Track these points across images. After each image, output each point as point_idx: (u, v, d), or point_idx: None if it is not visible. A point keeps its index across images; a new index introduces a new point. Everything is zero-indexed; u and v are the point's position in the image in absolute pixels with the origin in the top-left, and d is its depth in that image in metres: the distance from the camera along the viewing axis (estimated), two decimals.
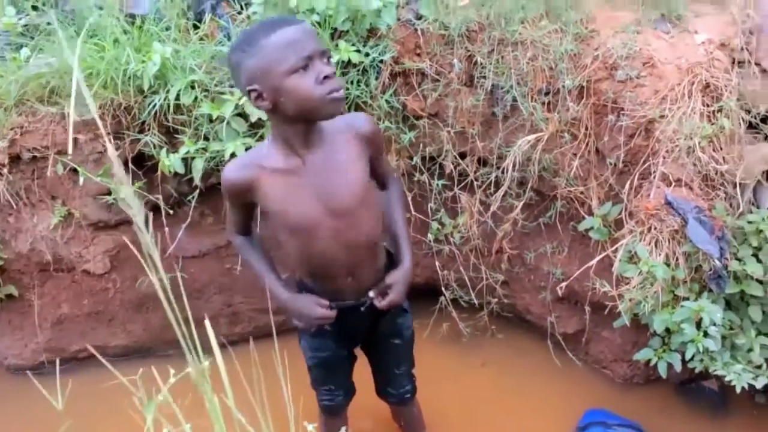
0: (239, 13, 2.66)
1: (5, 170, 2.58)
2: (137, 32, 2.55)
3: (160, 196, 2.61)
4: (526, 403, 2.62)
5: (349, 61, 2.39)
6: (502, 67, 2.46)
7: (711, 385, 2.53)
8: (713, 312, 2.11)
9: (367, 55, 2.45)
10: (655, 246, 2.23)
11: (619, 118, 2.30)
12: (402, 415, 2.28)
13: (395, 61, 2.51)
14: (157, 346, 2.96)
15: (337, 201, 1.65)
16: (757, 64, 2.30)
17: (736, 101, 2.25)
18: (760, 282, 2.20)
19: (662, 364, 2.26)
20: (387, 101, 2.52)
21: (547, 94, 2.44)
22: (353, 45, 2.44)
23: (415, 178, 2.70)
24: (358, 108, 2.51)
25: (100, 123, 0.96)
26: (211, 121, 2.46)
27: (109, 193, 2.59)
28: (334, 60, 2.22)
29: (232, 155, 2.37)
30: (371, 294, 1.78)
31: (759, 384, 2.15)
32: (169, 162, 2.43)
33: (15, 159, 2.60)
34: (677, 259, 2.22)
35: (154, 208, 2.70)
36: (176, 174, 2.51)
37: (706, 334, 2.13)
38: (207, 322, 1.22)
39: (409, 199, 2.71)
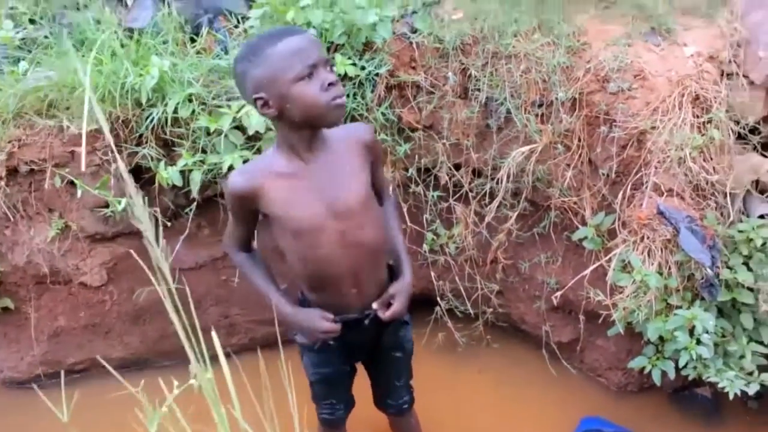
0: (236, 26, 2.70)
1: (2, 183, 2.59)
2: (135, 46, 2.58)
3: (158, 209, 2.63)
4: (522, 411, 2.64)
5: (345, 74, 2.42)
6: (496, 79, 2.49)
7: (704, 392, 2.55)
8: (706, 320, 2.14)
9: (363, 68, 2.48)
10: (648, 255, 2.26)
11: (611, 129, 2.33)
12: (400, 425, 2.29)
13: (391, 74, 2.54)
14: (154, 358, 2.96)
15: (341, 203, 1.67)
16: (745, 76, 2.34)
17: (726, 112, 2.28)
18: (751, 290, 2.23)
19: (656, 372, 2.29)
20: (383, 114, 2.55)
21: (540, 106, 2.47)
22: (349, 58, 2.47)
23: (411, 190, 2.73)
24: (354, 120, 2.54)
25: (110, 138, 0.98)
26: (208, 133, 2.48)
27: (107, 206, 2.60)
28: None
29: (230, 168, 2.39)
30: (375, 306, 1.79)
31: (751, 390, 2.18)
32: (167, 175, 2.44)
33: (12, 172, 2.61)
34: (670, 268, 2.25)
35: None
36: (174, 186, 2.53)
37: (699, 342, 2.15)
38: (213, 333, 1.24)
39: (405, 210, 2.74)
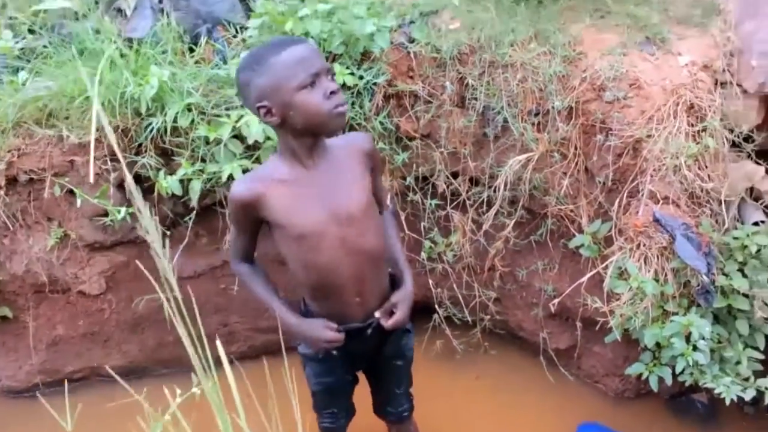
0: (234, 36, 2.71)
1: (2, 192, 2.59)
2: (135, 56, 2.59)
3: (157, 218, 2.64)
4: (520, 418, 2.65)
5: (344, 83, 2.44)
6: (493, 88, 2.51)
7: (701, 398, 2.58)
8: (702, 326, 2.16)
9: (361, 77, 2.50)
10: (645, 262, 2.28)
11: (607, 137, 2.35)
12: None
13: (388, 83, 2.56)
14: (152, 367, 2.97)
15: (343, 209, 1.69)
16: (738, 85, 2.37)
17: (720, 121, 2.30)
18: (746, 296, 2.25)
19: (653, 378, 2.30)
20: (381, 123, 2.57)
21: (537, 114, 2.49)
22: (347, 68, 2.49)
23: (409, 198, 2.75)
24: (352, 129, 2.55)
25: (118, 150, 1.00)
26: (207, 143, 2.49)
27: (106, 215, 2.60)
28: None
29: (230, 177, 2.41)
30: (377, 314, 1.80)
31: (747, 396, 2.19)
32: (167, 184, 2.45)
33: (12, 181, 2.62)
34: (666, 275, 2.27)
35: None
36: (173, 195, 2.54)
37: (695, 348, 2.17)
38: (219, 343, 1.25)
39: (403, 218, 2.76)
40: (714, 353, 2.26)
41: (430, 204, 2.74)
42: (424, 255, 2.80)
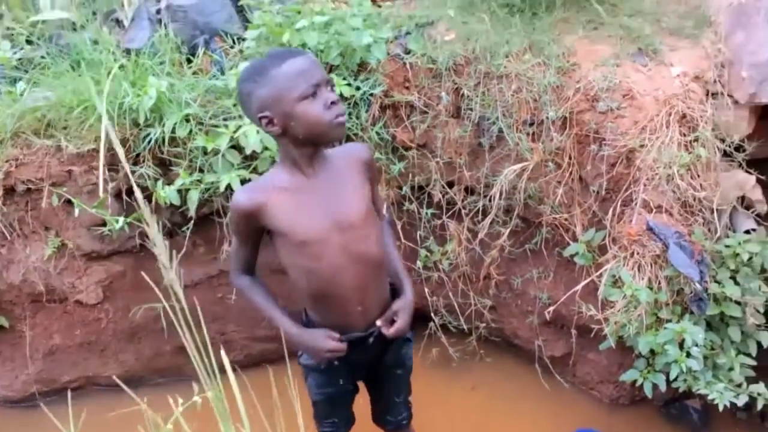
0: (232, 47, 2.73)
1: None
2: (133, 66, 2.61)
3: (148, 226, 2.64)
4: (516, 425, 2.67)
5: (341, 94, 2.47)
6: (488, 99, 2.54)
7: (694, 404, 2.60)
8: (695, 333, 2.18)
9: (357, 88, 2.53)
10: (638, 270, 2.30)
11: (601, 147, 2.38)
12: None
13: (385, 94, 2.59)
14: (149, 376, 2.97)
15: (344, 215, 1.71)
16: (729, 95, 2.40)
17: (711, 131, 2.34)
18: (738, 303, 2.28)
19: (648, 385, 2.32)
20: (377, 133, 2.60)
21: (531, 125, 2.52)
22: (344, 79, 2.52)
23: (405, 207, 2.77)
24: (349, 140, 2.58)
25: (128, 167, 1.02)
26: (205, 153, 2.51)
27: (103, 224, 2.61)
28: None
29: (227, 187, 2.42)
30: (378, 323, 1.81)
31: (740, 402, 2.22)
32: (165, 194, 2.47)
33: (9, 191, 2.63)
34: (659, 283, 2.29)
35: (146, 239, 2.73)
36: (171, 205, 2.55)
37: (688, 355, 2.19)
38: (223, 352, 1.27)
39: (399, 227, 2.78)
40: (707, 360, 2.28)
41: (426, 213, 2.77)
42: (420, 264, 2.82)
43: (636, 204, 2.34)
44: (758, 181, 2.43)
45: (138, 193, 1.02)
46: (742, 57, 2.35)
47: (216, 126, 2.50)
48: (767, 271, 2.32)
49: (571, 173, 2.52)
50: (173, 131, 2.47)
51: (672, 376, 2.22)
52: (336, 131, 1.63)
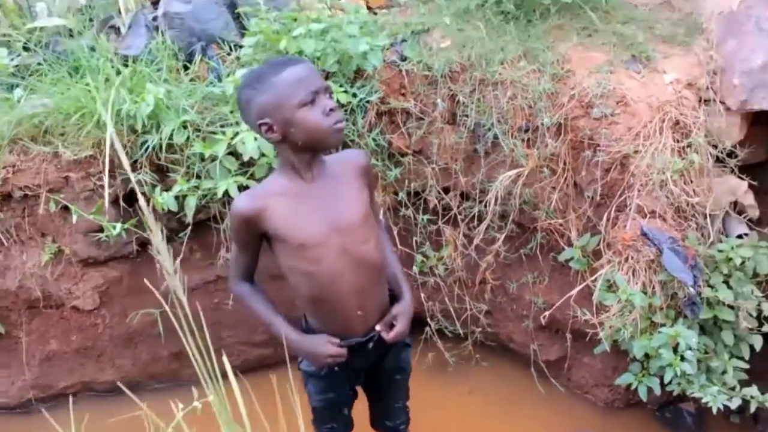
0: (229, 54, 2.75)
1: None
2: (130, 73, 2.62)
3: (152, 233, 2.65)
4: (512, 429, 2.68)
5: (338, 101, 2.48)
6: (484, 105, 2.56)
7: (688, 407, 2.62)
8: (689, 337, 2.20)
9: (354, 95, 2.55)
10: (633, 275, 2.32)
11: (595, 153, 2.41)
12: None
13: (381, 100, 2.60)
14: (145, 381, 2.97)
15: (343, 219, 1.73)
16: (721, 102, 2.43)
17: (704, 137, 2.36)
18: (731, 307, 2.30)
19: (642, 388, 2.34)
20: (374, 139, 2.61)
21: (526, 131, 2.54)
22: (341, 86, 2.53)
23: (401, 213, 2.79)
24: (345, 146, 2.59)
25: (133, 176, 1.03)
26: (202, 159, 2.51)
27: (100, 230, 2.62)
28: None
29: (225, 193, 2.44)
30: (378, 327, 1.82)
31: (733, 405, 2.24)
32: (163, 200, 2.47)
33: (6, 197, 2.63)
34: (654, 287, 2.31)
35: (142, 245, 2.74)
36: (168, 211, 2.56)
37: (682, 358, 2.22)
38: (225, 358, 1.29)
39: (395, 233, 2.79)
40: (701, 363, 2.31)
41: (422, 219, 2.78)
42: (416, 269, 2.84)
43: (630, 209, 2.36)
44: (750, 186, 2.46)
45: (142, 201, 1.04)
46: (733, 64, 2.38)
47: (213, 133, 2.51)
48: (759, 275, 2.34)
49: (565, 179, 2.54)
50: (171, 138, 2.48)
51: (666, 380, 2.25)
52: (335, 137, 1.66)
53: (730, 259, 2.32)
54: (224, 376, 1.23)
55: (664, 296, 2.32)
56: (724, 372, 2.31)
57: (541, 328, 2.78)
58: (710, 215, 2.39)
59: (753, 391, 2.25)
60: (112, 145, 2.56)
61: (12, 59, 2.78)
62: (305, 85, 1.61)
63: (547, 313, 2.60)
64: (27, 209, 2.66)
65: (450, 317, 2.91)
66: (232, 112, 2.53)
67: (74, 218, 2.55)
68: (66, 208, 2.61)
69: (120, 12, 2.93)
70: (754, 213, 2.48)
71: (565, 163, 2.52)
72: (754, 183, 2.47)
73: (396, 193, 2.76)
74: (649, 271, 2.32)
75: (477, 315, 2.89)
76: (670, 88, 2.40)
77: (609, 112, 2.38)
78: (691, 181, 2.35)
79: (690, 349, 2.21)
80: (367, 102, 2.58)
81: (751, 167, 2.47)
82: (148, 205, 2.59)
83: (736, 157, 2.42)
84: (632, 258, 2.34)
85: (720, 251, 2.35)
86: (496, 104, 2.54)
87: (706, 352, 2.33)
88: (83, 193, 2.60)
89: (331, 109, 1.62)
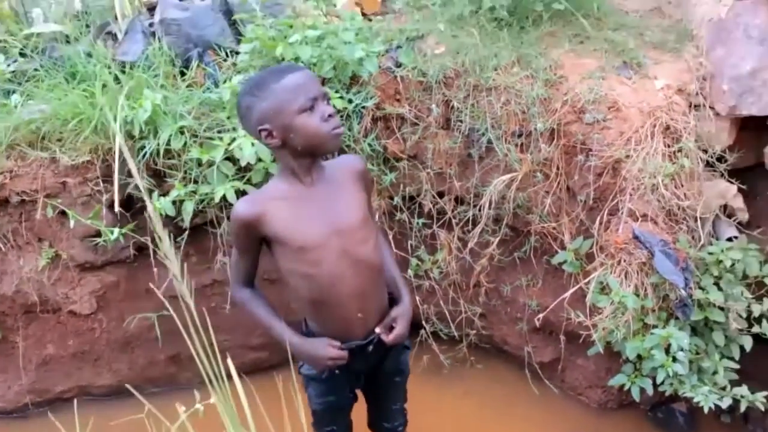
0: (225, 60, 2.77)
1: None
2: (128, 79, 2.63)
3: (149, 238, 2.67)
4: (506, 430, 2.71)
5: (334, 107, 2.50)
6: (478, 111, 2.59)
7: (680, 407, 2.66)
8: (680, 338, 2.23)
9: (350, 101, 2.57)
10: (625, 277, 2.35)
11: (587, 158, 2.44)
12: None
13: (376, 106, 2.63)
14: (142, 385, 2.97)
15: (343, 221, 1.76)
16: (711, 107, 2.47)
17: (694, 142, 2.40)
18: (722, 309, 2.33)
19: (635, 389, 2.37)
20: (369, 145, 2.64)
21: (520, 136, 2.57)
22: (337, 92, 2.55)
23: (396, 217, 2.81)
24: (341, 152, 2.62)
25: (140, 182, 1.06)
26: (200, 165, 2.53)
27: (98, 235, 2.63)
28: None
29: (222, 198, 2.46)
30: (378, 330, 1.84)
31: (724, 404, 2.27)
32: (160, 205, 2.49)
33: (3, 202, 2.65)
34: (646, 290, 2.34)
35: (139, 249, 2.76)
36: (165, 216, 2.57)
37: (674, 359, 2.24)
38: (230, 360, 1.31)
39: (390, 237, 2.81)
40: (692, 364, 2.34)
41: (417, 223, 2.81)
42: (411, 272, 2.86)
43: (622, 213, 2.39)
44: (739, 190, 2.50)
45: (150, 207, 1.06)
46: (722, 70, 2.43)
47: (210, 138, 2.53)
48: (749, 277, 2.38)
49: (558, 183, 2.57)
50: (168, 143, 2.50)
51: (659, 380, 2.27)
52: (333, 142, 1.70)
53: (721, 261, 2.35)
54: (222, 379, 1.25)
55: (656, 298, 2.35)
56: (715, 372, 2.34)
57: (535, 330, 2.81)
58: (701, 218, 2.42)
59: (743, 390, 2.29)
60: (109, 150, 2.58)
61: (9, 65, 2.79)
62: (305, 92, 1.64)
63: (540, 316, 2.63)
64: (24, 214, 2.68)
65: (445, 320, 2.93)
66: (229, 117, 2.54)
67: (72, 223, 2.57)
68: (63, 213, 2.63)
69: (116, 18, 2.95)
70: (744, 216, 2.52)
71: (558, 168, 2.55)
72: (743, 187, 2.51)
73: (391, 198, 2.78)
74: (641, 273, 2.35)
75: (471, 318, 2.91)
76: (660, 93, 2.44)
77: (601, 117, 2.42)
78: (682, 185, 2.38)
79: (681, 350, 2.24)
80: (363, 108, 2.60)
81: (740, 171, 2.51)
82: (144, 210, 2.61)
83: (725, 161, 2.46)
84: (624, 261, 2.37)
85: (710, 254, 2.38)
86: (490, 110, 2.56)
87: (697, 353, 2.36)
88: (80, 198, 2.62)
89: (329, 115, 1.66)
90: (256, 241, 1.78)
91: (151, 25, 2.87)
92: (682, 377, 2.29)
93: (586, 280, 2.46)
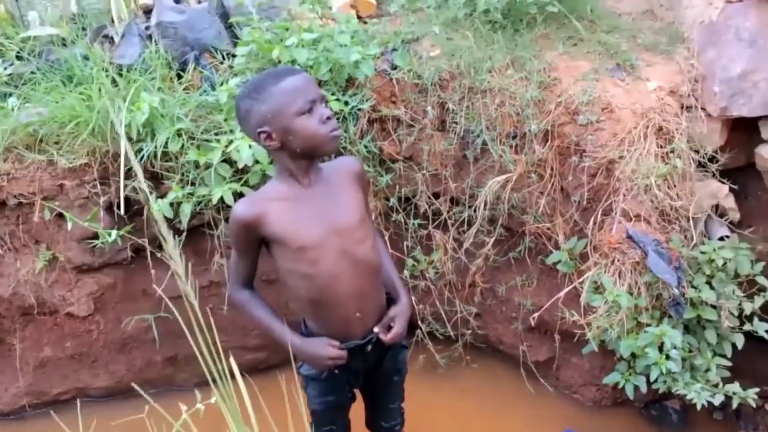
0: (222, 63, 2.78)
1: None
2: (125, 82, 2.64)
3: (146, 240, 2.68)
4: (501, 428, 2.74)
5: (331, 109, 2.52)
6: (473, 113, 2.61)
7: (674, 405, 2.69)
8: (674, 336, 2.26)
9: (346, 103, 2.59)
10: (619, 277, 2.38)
11: (581, 159, 2.46)
12: None
13: (372, 108, 2.64)
14: (139, 386, 2.99)
15: (342, 221, 1.78)
16: (702, 109, 2.49)
17: (686, 143, 2.42)
18: (714, 307, 2.36)
19: (629, 387, 2.40)
20: (365, 146, 2.65)
21: (514, 137, 2.59)
22: (333, 94, 2.57)
23: (392, 218, 2.83)
24: (338, 153, 2.63)
25: (143, 184, 1.07)
26: (197, 167, 2.55)
27: (95, 237, 2.64)
28: None
29: (220, 199, 2.47)
30: (376, 329, 1.86)
31: (717, 401, 2.30)
32: (159, 207, 2.50)
33: (0, 205, 2.66)
34: (639, 289, 2.37)
35: (137, 251, 2.77)
36: (164, 217, 2.59)
37: (668, 357, 2.27)
38: (232, 359, 1.33)
39: (387, 237, 2.82)
40: (685, 362, 2.36)
41: (413, 224, 2.83)
42: (407, 273, 2.88)
43: (616, 213, 2.42)
44: (731, 190, 2.53)
45: (155, 208, 1.08)
46: (714, 72, 2.45)
47: (208, 140, 2.54)
48: (740, 275, 2.41)
49: (553, 184, 2.60)
50: (165, 146, 2.51)
51: (652, 378, 2.30)
52: (331, 144, 1.73)
53: (713, 260, 2.38)
54: (225, 377, 1.27)
55: (650, 297, 2.38)
56: (707, 370, 2.36)
57: (529, 329, 2.84)
58: (693, 218, 2.44)
59: (735, 387, 2.32)
60: (107, 153, 2.59)
61: (5, 68, 2.79)
62: (303, 95, 1.67)
63: (535, 315, 2.64)
64: (21, 217, 2.68)
65: (440, 320, 2.95)
66: (226, 120, 2.56)
67: (69, 225, 2.58)
68: (60, 216, 2.63)
69: (113, 21, 2.95)
70: (735, 216, 2.54)
71: (552, 169, 2.58)
72: (735, 187, 2.53)
73: (387, 199, 2.80)
74: (635, 272, 2.38)
75: (467, 317, 2.94)
76: (653, 95, 2.47)
77: (594, 118, 2.44)
78: (675, 186, 2.41)
79: (675, 348, 2.26)
80: (359, 110, 2.62)
81: (732, 171, 2.54)
82: (142, 212, 2.62)
83: (717, 161, 2.48)
84: (618, 260, 2.39)
85: (703, 253, 2.41)
86: (485, 111, 2.58)
87: (690, 351, 2.39)
88: (78, 201, 2.63)
89: (327, 118, 1.69)
90: (256, 242, 1.79)
91: (147, 28, 2.88)
92: (676, 375, 2.31)
93: (581, 280, 2.49)
